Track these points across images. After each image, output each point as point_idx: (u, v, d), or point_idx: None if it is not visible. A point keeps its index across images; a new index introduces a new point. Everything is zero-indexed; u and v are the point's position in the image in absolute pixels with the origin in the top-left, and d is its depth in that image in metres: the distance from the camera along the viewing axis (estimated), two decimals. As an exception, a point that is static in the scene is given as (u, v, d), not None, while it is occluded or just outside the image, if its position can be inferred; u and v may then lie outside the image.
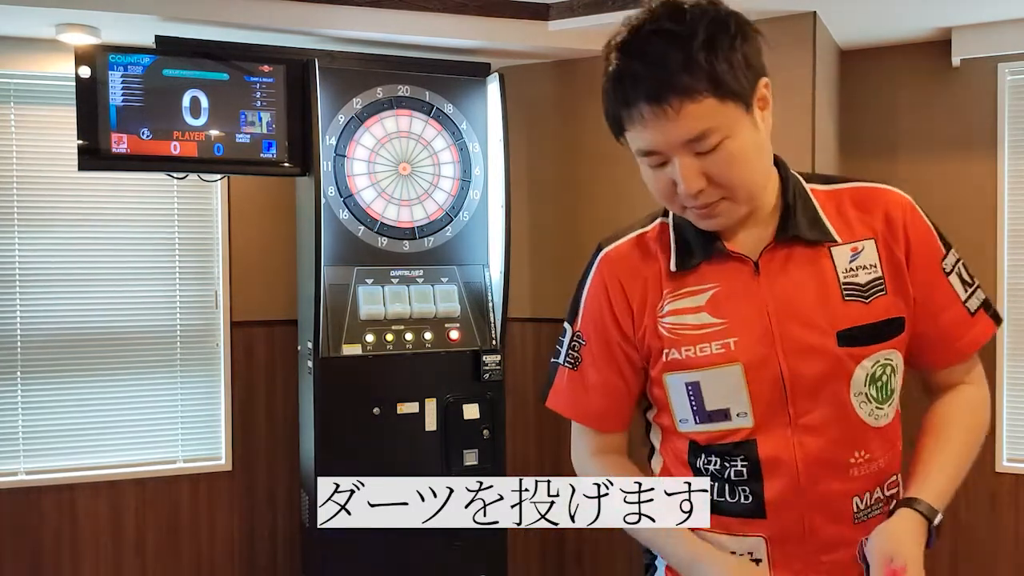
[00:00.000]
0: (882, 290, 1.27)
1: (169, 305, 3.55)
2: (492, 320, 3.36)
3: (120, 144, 2.94)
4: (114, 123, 2.93)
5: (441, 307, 3.29)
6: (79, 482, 3.42)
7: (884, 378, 1.28)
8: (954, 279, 1.32)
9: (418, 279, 3.30)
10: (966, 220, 3.41)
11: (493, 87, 3.35)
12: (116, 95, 2.93)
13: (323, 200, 3.12)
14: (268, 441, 3.68)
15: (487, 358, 3.30)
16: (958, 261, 1.34)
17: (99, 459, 3.47)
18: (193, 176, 3.21)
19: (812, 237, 1.28)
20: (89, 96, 2.90)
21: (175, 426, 3.57)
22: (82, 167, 2.93)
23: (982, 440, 1.36)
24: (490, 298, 3.38)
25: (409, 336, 3.24)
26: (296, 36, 3.21)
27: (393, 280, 3.27)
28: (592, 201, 3.64)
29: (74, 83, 2.89)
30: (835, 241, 1.28)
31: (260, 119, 3.11)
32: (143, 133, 2.96)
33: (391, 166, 3.29)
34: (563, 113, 3.70)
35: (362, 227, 3.24)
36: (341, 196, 3.20)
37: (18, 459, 3.38)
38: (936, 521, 1.24)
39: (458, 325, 3.32)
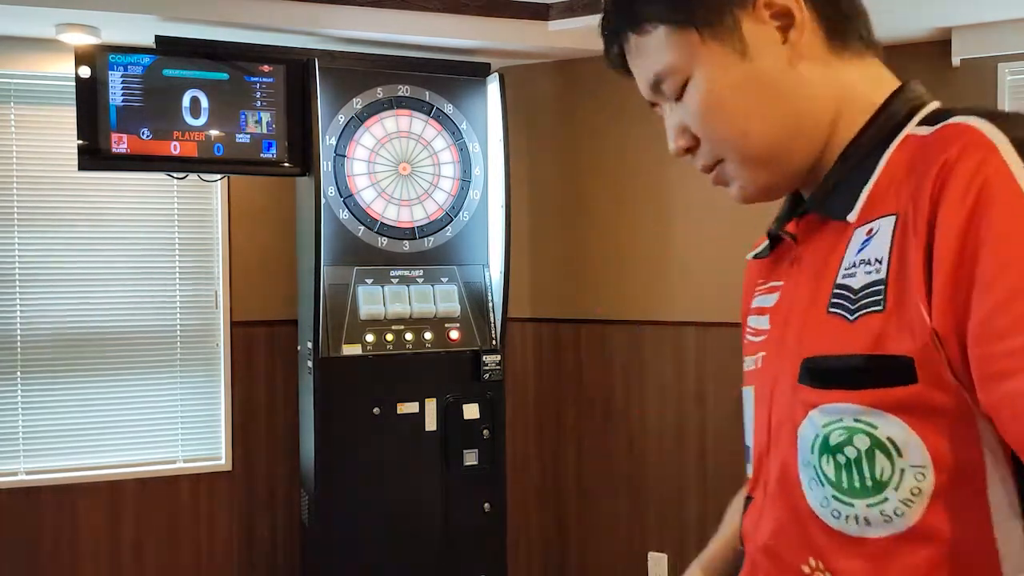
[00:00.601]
0: (877, 305, 0.76)
1: (169, 305, 3.55)
2: (492, 320, 3.36)
3: (120, 144, 2.94)
4: (114, 123, 2.93)
5: (441, 307, 3.29)
6: (79, 482, 3.42)
7: (854, 455, 0.77)
8: None
9: (418, 279, 3.30)
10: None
11: (493, 87, 3.35)
12: (116, 95, 2.93)
13: (323, 200, 3.12)
14: (268, 441, 3.68)
15: (487, 358, 3.30)
16: None
17: (99, 459, 3.47)
18: (193, 176, 3.21)
19: (821, 209, 0.87)
20: (89, 96, 2.90)
21: (175, 426, 3.57)
22: (82, 167, 2.93)
23: None
24: (490, 298, 3.38)
25: (409, 336, 3.24)
26: (296, 36, 3.21)
27: (393, 280, 3.27)
28: (592, 201, 3.64)
29: (74, 83, 2.89)
30: (844, 219, 0.83)
31: (260, 119, 3.11)
32: (143, 133, 2.96)
33: (391, 166, 3.29)
34: (563, 113, 3.70)
35: (362, 227, 3.24)
36: (341, 196, 3.20)
37: (18, 459, 3.38)
38: None
39: (458, 325, 3.32)
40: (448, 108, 3.36)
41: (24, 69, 3.31)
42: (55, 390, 3.41)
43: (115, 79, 2.92)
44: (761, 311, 0.97)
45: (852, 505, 0.78)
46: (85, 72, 2.89)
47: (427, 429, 3.26)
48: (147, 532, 3.52)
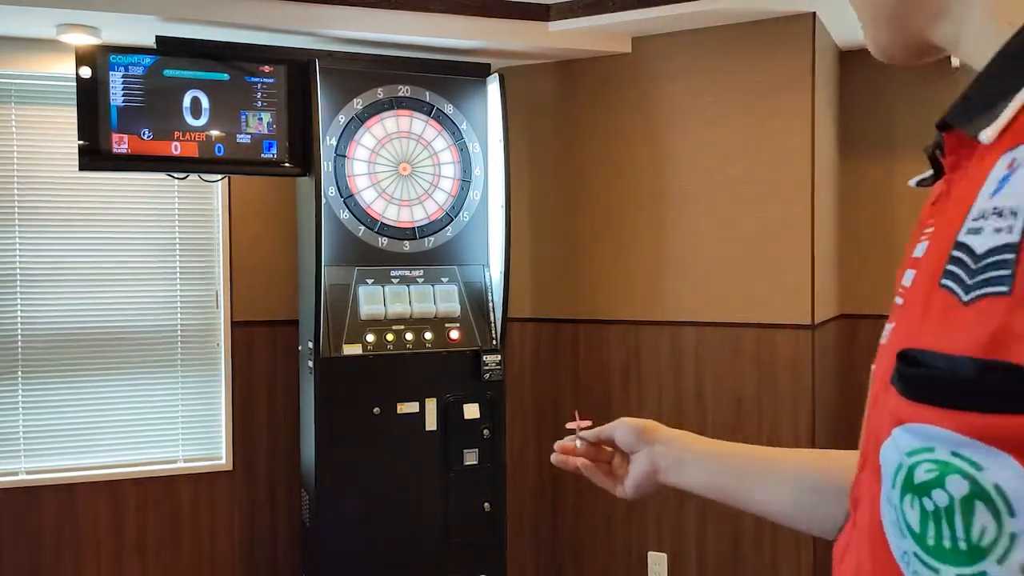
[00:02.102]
0: (1002, 284, 0.50)
1: (170, 305, 3.55)
2: (492, 320, 3.37)
3: (121, 144, 2.94)
4: (115, 123, 2.93)
5: (441, 307, 3.30)
6: (79, 482, 3.42)
7: (944, 503, 0.52)
8: None
9: (418, 279, 3.31)
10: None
11: (493, 87, 3.35)
12: (117, 95, 2.93)
13: (323, 200, 3.13)
14: (268, 441, 3.68)
15: (487, 358, 3.31)
16: None
17: (99, 459, 3.47)
18: (194, 176, 3.21)
19: (956, 118, 0.59)
20: (90, 96, 2.91)
21: (175, 426, 3.57)
22: (83, 167, 2.93)
23: None
24: (490, 298, 3.39)
25: (409, 336, 3.25)
26: (296, 36, 3.21)
27: (393, 280, 3.27)
28: (592, 201, 3.64)
29: (75, 83, 2.89)
30: (976, 137, 0.55)
31: (261, 119, 3.11)
32: (144, 133, 2.96)
33: (391, 166, 3.29)
34: (563, 113, 3.70)
35: (362, 227, 3.24)
36: (341, 196, 3.21)
37: (18, 459, 3.38)
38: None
39: (458, 325, 3.32)
40: (448, 108, 3.36)
41: (24, 69, 3.31)
42: (55, 390, 3.42)
43: (116, 79, 2.93)
44: (914, 263, 0.65)
45: (937, 571, 0.54)
46: (86, 72, 2.89)
47: (427, 429, 3.26)
48: (148, 532, 3.53)
